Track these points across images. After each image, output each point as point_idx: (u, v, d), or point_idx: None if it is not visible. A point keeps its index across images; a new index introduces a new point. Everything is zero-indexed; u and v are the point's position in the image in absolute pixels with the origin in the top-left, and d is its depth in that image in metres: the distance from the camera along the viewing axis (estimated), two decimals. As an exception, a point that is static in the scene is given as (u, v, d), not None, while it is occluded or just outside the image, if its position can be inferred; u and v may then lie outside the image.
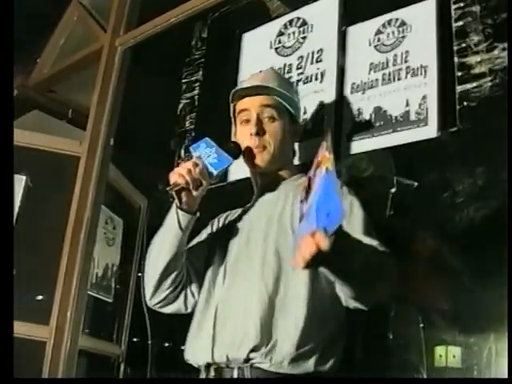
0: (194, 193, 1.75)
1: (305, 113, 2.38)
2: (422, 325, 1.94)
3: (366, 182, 2.21)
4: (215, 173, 1.78)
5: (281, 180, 1.93)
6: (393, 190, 2.14)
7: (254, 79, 1.97)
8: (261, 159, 1.88)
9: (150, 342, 2.98)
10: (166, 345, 2.97)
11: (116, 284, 3.32)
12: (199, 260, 1.92)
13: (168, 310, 1.93)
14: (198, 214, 1.81)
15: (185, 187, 1.72)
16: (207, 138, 1.84)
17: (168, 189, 1.72)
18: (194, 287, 1.90)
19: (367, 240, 1.61)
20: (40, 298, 2.89)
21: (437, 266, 2.00)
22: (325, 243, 1.22)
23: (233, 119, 2.03)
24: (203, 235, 2.02)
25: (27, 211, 2.95)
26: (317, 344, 1.64)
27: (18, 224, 2.90)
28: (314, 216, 1.30)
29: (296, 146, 2.11)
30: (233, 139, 2.01)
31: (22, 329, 2.69)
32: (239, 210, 2.00)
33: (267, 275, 1.70)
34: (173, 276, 1.84)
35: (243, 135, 1.92)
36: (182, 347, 1.85)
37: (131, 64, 3.34)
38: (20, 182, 2.99)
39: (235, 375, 1.65)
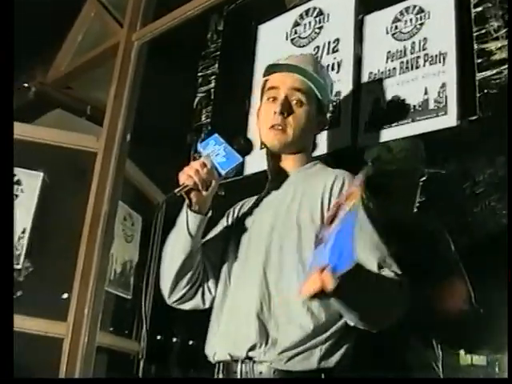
0: (204, 193, 1.72)
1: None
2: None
3: (393, 173, 2.15)
4: (223, 173, 1.74)
5: (294, 168, 1.88)
6: (423, 179, 2.09)
7: (290, 59, 1.92)
8: (278, 139, 1.82)
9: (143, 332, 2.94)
10: (174, 340, 2.93)
11: (135, 280, 3.30)
12: (216, 254, 1.89)
13: (186, 306, 1.89)
14: (210, 214, 1.77)
15: (194, 188, 1.69)
16: (216, 135, 1.79)
17: (176, 191, 1.69)
18: (211, 283, 1.86)
19: (382, 270, 1.57)
20: (58, 294, 2.88)
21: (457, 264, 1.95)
22: (329, 284, 1.26)
23: (260, 94, 1.97)
24: (219, 227, 1.98)
25: (44, 207, 2.94)
26: (321, 341, 1.60)
27: (36, 220, 2.90)
28: (329, 251, 1.33)
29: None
30: (255, 114, 1.98)
31: (39, 325, 2.69)
32: (254, 199, 1.96)
33: (269, 272, 1.68)
34: (188, 275, 1.80)
35: (267, 112, 1.86)
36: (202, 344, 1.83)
37: (147, 59, 3.33)
38: (37, 179, 2.98)
39: (238, 369, 1.63)
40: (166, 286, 1.84)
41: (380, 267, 1.57)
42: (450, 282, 1.92)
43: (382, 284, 1.53)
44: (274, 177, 1.88)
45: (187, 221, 1.73)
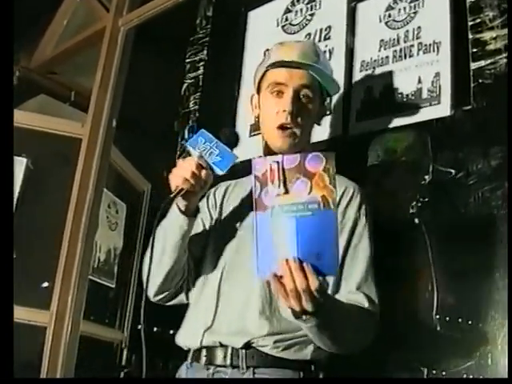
0: (198, 194, 1.67)
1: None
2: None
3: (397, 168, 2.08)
4: (221, 173, 1.64)
5: None
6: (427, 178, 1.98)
7: (290, 50, 1.80)
8: (287, 142, 1.77)
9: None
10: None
11: (119, 269, 3.26)
12: (197, 247, 1.84)
13: (171, 303, 1.87)
14: (198, 213, 1.74)
15: (190, 190, 1.61)
16: (203, 130, 1.68)
17: (172, 196, 1.60)
18: (194, 278, 1.83)
19: (355, 296, 1.58)
20: (40, 282, 2.84)
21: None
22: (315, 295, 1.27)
23: (257, 84, 1.89)
24: (199, 216, 1.84)
25: (28, 194, 2.89)
26: None
27: (19, 207, 2.85)
28: (294, 243, 1.25)
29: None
30: (251, 107, 1.93)
31: (22, 314, 2.64)
32: (240, 184, 1.93)
33: None
34: (176, 280, 1.79)
35: (271, 107, 1.78)
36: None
37: (134, 44, 3.27)
38: (21, 165, 2.93)
39: (229, 354, 1.60)
40: (153, 285, 1.78)
41: (358, 288, 1.59)
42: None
43: (352, 310, 1.54)
44: None
45: (181, 223, 1.68)
